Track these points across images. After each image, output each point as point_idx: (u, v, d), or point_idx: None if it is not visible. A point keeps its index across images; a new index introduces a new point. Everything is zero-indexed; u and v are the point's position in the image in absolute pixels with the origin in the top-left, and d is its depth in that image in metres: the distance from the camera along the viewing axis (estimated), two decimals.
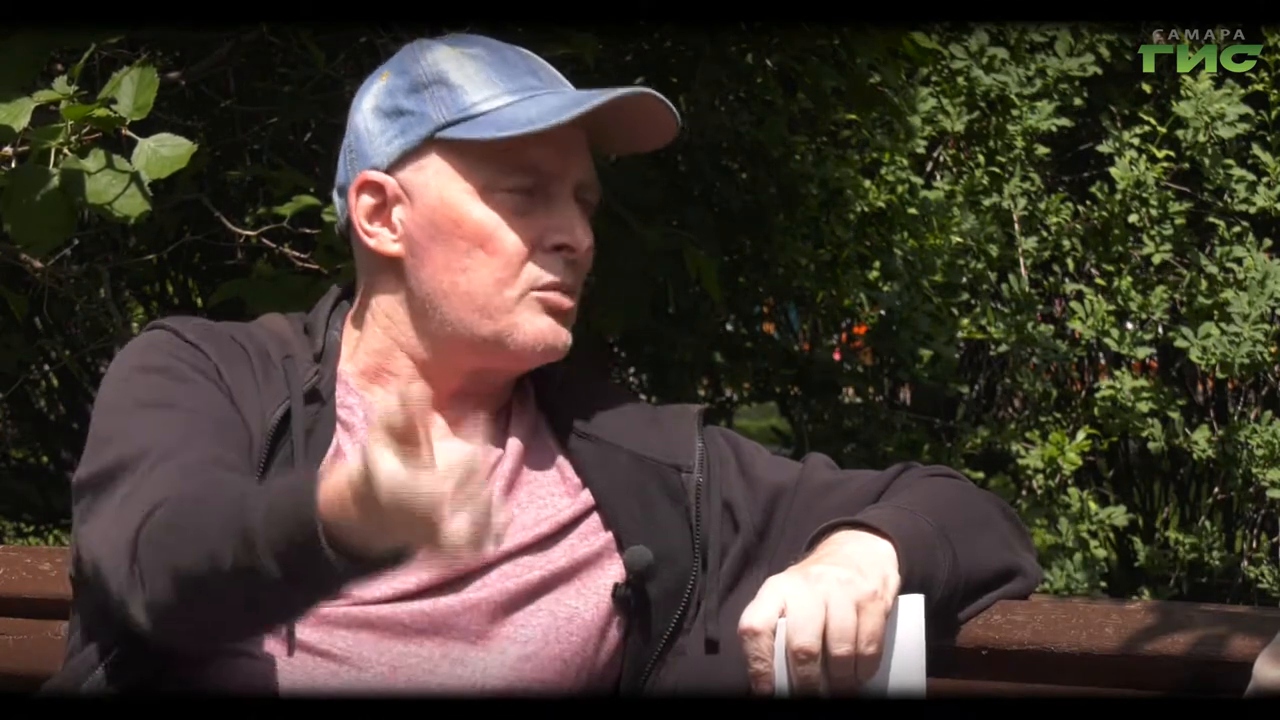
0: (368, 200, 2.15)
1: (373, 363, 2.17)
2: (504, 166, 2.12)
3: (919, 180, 5.16)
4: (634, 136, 2.21)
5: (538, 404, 2.23)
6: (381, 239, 2.15)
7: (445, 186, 2.13)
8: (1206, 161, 4.89)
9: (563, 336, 2.14)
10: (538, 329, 2.13)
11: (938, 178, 5.35)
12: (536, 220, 2.13)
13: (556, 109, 2.10)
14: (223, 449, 2.02)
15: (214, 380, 2.09)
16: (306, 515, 1.75)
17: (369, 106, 2.18)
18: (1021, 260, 5.07)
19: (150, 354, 2.11)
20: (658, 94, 2.14)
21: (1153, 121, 4.96)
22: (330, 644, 2.03)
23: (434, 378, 2.16)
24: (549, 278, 2.12)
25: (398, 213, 2.14)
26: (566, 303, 2.14)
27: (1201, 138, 4.85)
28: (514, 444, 2.18)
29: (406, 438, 1.66)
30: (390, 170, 2.15)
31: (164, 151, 2.77)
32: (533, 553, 2.12)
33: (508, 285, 2.11)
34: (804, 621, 1.90)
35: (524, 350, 2.13)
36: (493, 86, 2.13)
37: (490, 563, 2.09)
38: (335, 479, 1.74)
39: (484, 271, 2.11)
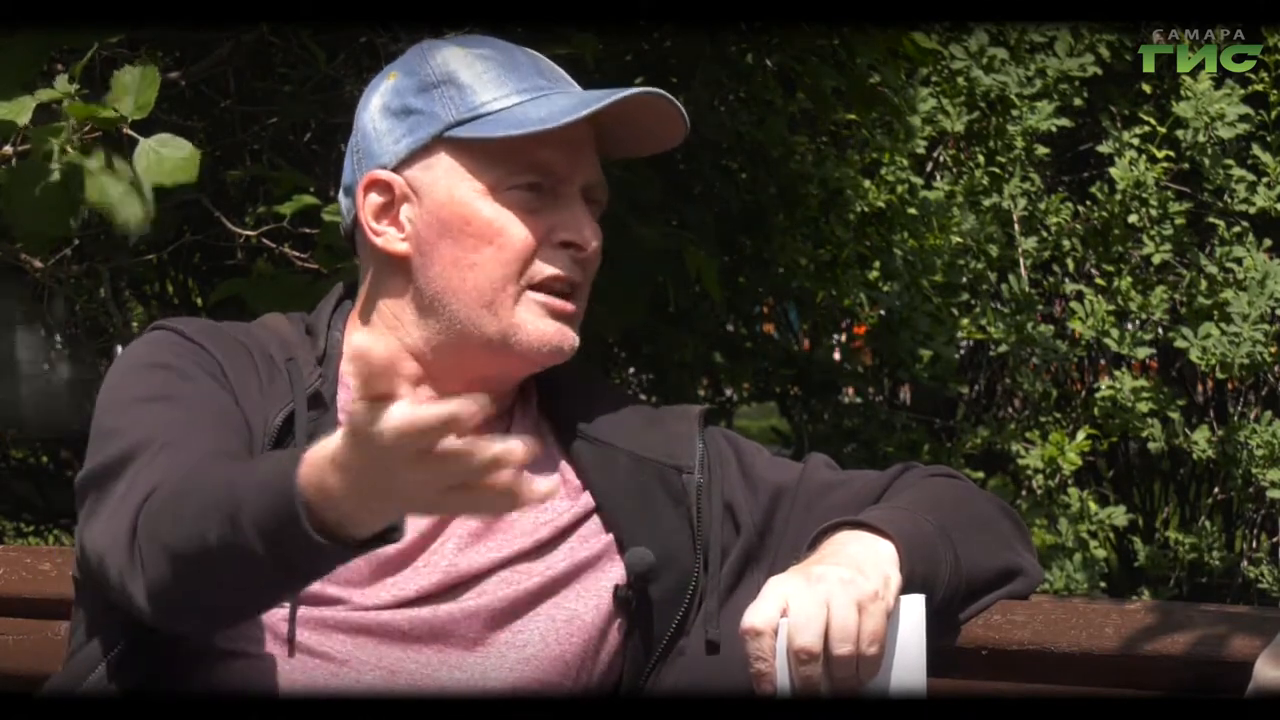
0: (375, 199, 2.15)
1: None
2: (513, 165, 2.12)
3: (919, 180, 5.16)
4: (641, 139, 2.20)
5: (539, 407, 2.23)
6: (389, 238, 2.15)
7: (455, 185, 2.12)
8: (1206, 161, 4.88)
9: (569, 338, 2.14)
10: (541, 330, 2.12)
11: (938, 178, 5.34)
12: (545, 217, 2.13)
13: (566, 108, 2.10)
14: (224, 441, 2.01)
15: (217, 378, 2.08)
16: (287, 491, 1.73)
17: (376, 106, 2.17)
18: (1021, 260, 5.06)
19: (153, 352, 2.10)
20: (667, 94, 2.13)
21: (1153, 121, 4.96)
22: (329, 647, 2.02)
23: (440, 379, 2.15)
24: (552, 271, 2.12)
25: (405, 211, 2.14)
26: (569, 306, 2.14)
27: (1201, 138, 4.85)
28: None
29: (384, 388, 1.61)
30: (398, 169, 2.14)
31: (165, 152, 2.76)
32: (532, 558, 2.11)
33: (513, 280, 2.11)
34: (806, 621, 1.89)
35: (530, 351, 2.13)
36: (502, 86, 2.13)
37: (489, 569, 2.09)
38: (318, 450, 1.72)
39: (493, 266, 2.11)
